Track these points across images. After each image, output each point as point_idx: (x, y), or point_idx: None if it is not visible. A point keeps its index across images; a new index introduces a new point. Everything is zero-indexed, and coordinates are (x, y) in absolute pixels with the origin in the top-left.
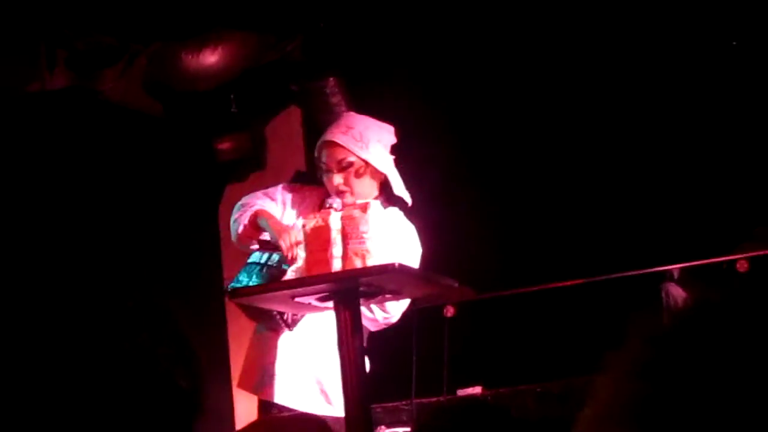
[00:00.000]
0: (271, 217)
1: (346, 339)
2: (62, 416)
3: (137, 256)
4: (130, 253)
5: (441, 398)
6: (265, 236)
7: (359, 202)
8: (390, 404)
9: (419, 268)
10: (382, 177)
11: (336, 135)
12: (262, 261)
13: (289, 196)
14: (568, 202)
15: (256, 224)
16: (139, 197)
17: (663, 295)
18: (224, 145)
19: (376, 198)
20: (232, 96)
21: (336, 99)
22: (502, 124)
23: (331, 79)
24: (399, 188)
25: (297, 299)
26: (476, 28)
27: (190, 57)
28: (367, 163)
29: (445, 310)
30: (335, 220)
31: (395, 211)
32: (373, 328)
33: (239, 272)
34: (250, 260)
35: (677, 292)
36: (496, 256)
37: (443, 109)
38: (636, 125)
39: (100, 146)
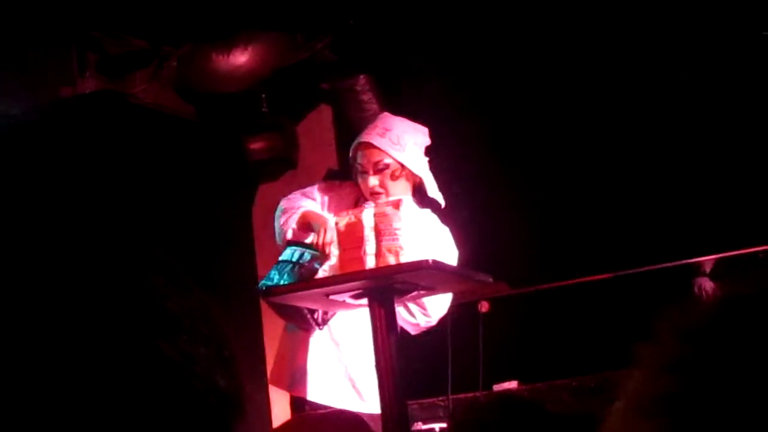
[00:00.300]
0: (317, 216)
1: (381, 336)
2: (97, 419)
3: (172, 257)
4: (165, 254)
5: (477, 394)
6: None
7: (391, 199)
8: (426, 400)
9: (451, 265)
10: (417, 179)
11: (373, 137)
12: (294, 259)
13: (326, 196)
14: (602, 196)
15: (305, 226)
16: (172, 199)
17: (696, 289)
18: (256, 145)
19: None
20: (263, 96)
21: (367, 97)
22: (536, 118)
23: (362, 77)
24: (433, 191)
25: (331, 297)
26: (509, 21)
27: (220, 58)
28: (403, 166)
29: (479, 306)
30: (368, 217)
31: (429, 213)
32: (413, 332)
33: (270, 270)
34: (281, 258)
35: (709, 286)
36: (529, 250)
37: (475, 103)
38: (670, 116)
39: (132, 149)
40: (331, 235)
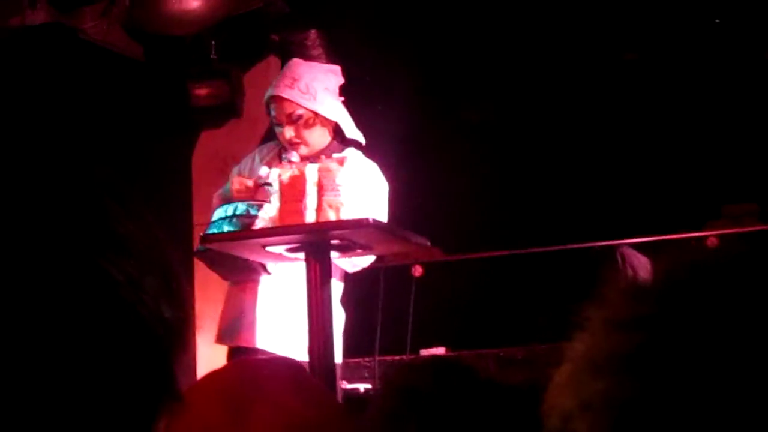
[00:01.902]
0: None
1: (315, 292)
2: (41, 346)
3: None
4: (119, 178)
5: (403, 357)
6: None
7: (336, 155)
8: (352, 360)
9: (392, 225)
10: (333, 123)
11: (282, 89)
12: (228, 213)
13: (245, 168)
14: (544, 171)
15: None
16: (113, 138)
17: (618, 257)
18: (201, 91)
19: (329, 144)
20: (212, 42)
21: (317, 52)
22: (483, 84)
23: (313, 31)
24: (351, 131)
25: (267, 248)
26: None
27: (172, 0)
28: (316, 114)
29: (413, 269)
30: (311, 172)
31: (353, 152)
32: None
33: (207, 229)
34: (215, 218)
35: (632, 256)
36: (466, 218)
37: (424, 63)
38: (615, 94)
39: (77, 84)
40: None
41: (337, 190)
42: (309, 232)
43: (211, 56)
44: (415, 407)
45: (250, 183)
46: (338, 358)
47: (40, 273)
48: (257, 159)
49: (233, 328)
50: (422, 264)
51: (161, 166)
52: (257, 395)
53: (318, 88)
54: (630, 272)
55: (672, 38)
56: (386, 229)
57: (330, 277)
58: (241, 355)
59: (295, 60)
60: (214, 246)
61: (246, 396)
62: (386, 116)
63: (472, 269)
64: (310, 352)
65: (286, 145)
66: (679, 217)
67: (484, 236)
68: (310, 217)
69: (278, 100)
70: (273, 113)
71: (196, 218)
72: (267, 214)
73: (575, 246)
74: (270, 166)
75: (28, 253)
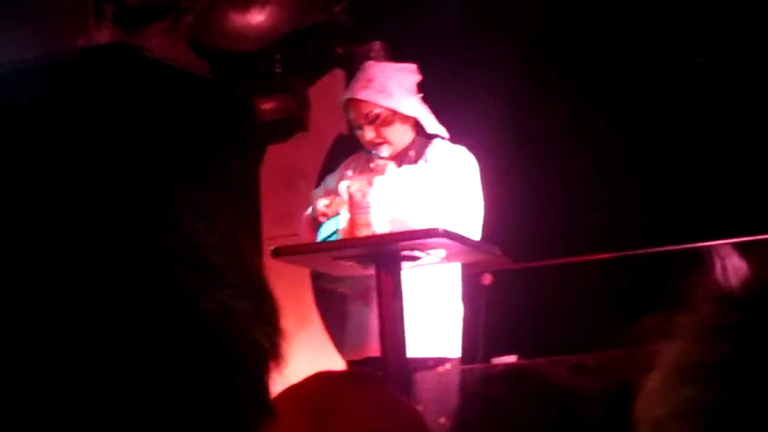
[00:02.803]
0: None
1: (387, 303)
2: (130, 377)
3: (210, 198)
4: (204, 196)
5: (476, 366)
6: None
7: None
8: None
9: (461, 235)
10: (413, 120)
11: (357, 91)
12: (333, 229)
13: (331, 181)
14: (614, 175)
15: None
16: (180, 155)
17: (714, 258)
18: (267, 105)
19: (412, 141)
20: (277, 56)
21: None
22: (553, 93)
23: (377, 43)
24: (432, 126)
25: (339, 261)
26: None
27: (236, 16)
28: (394, 111)
29: (482, 278)
30: (379, 183)
31: (437, 143)
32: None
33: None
34: (323, 236)
35: (728, 257)
36: (536, 224)
37: (493, 76)
38: (689, 97)
39: (143, 102)
40: (322, 204)
41: (366, 208)
42: (377, 244)
43: (276, 70)
44: (494, 417)
45: (326, 201)
46: (456, 352)
47: (132, 306)
48: (349, 172)
49: (361, 339)
50: (492, 272)
51: (229, 181)
52: (338, 408)
53: (393, 86)
54: (722, 275)
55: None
56: (457, 239)
57: (401, 288)
58: (370, 366)
59: (369, 62)
60: (286, 259)
61: (327, 409)
62: (454, 121)
63: (542, 277)
64: (385, 364)
65: (369, 147)
66: (755, 219)
67: (553, 243)
68: (380, 228)
69: (355, 102)
70: (351, 116)
71: (266, 232)
72: (338, 225)
73: (645, 251)
74: (360, 175)
75: (117, 288)
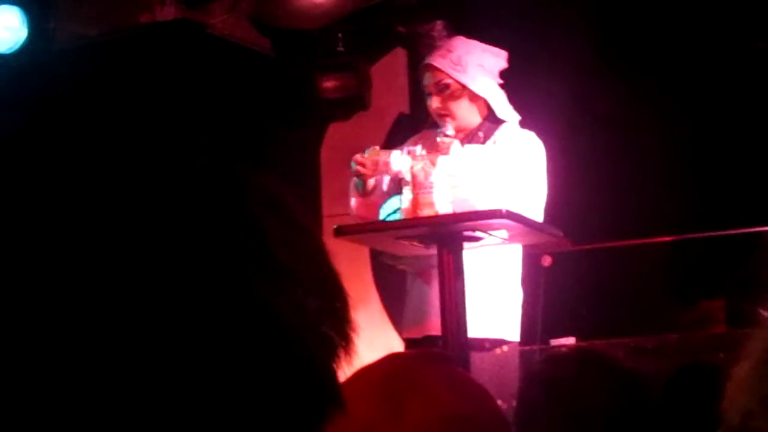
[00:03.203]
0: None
1: (449, 284)
2: (199, 375)
3: (280, 189)
4: (274, 187)
5: (535, 347)
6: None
7: (446, 140)
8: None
9: (524, 216)
10: (484, 101)
11: (435, 58)
12: (396, 206)
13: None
14: (674, 159)
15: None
16: (243, 131)
17: None
18: (329, 83)
19: (481, 123)
20: (339, 35)
21: (443, 43)
22: (613, 79)
23: (439, 22)
24: (502, 111)
25: (401, 241)
26: None
27: None
28: (464, 86)
29: (542, 259)
30: (443, 163)
31: (506, 127)
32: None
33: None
34: (385, 213)
35: None
36: (595, 207)
37: (555, 60)
38: (749, 82)
39: (207, 79)
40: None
41: (429, 188)
42: (439, 224)
43: (338, 49)
44: (560, 398)
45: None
46: (514, 335)
47: (205, 306)
48: (418, 148)
49: (420, 317)
50: (552, 253)
51: (290, 159)
52: (412, 389)
53: (471, 62)
54: None
55: None
56: (520, 220)
57: (462, 268)
58: (428, 345)
59: (459, 37)
60: (348, 238)
61: (401, 390)
62: (516, 103)
63: (601, 259)
64: (445, 344)
65: (434, 117)
66: None
67: (614, 225)
68: (442, 208)
69: (429, 68)
70: (425, 82)
71: (325, 210)
72: (401, 204)
73: (704, 235)
74: (429, 152)
75: (189, 287)
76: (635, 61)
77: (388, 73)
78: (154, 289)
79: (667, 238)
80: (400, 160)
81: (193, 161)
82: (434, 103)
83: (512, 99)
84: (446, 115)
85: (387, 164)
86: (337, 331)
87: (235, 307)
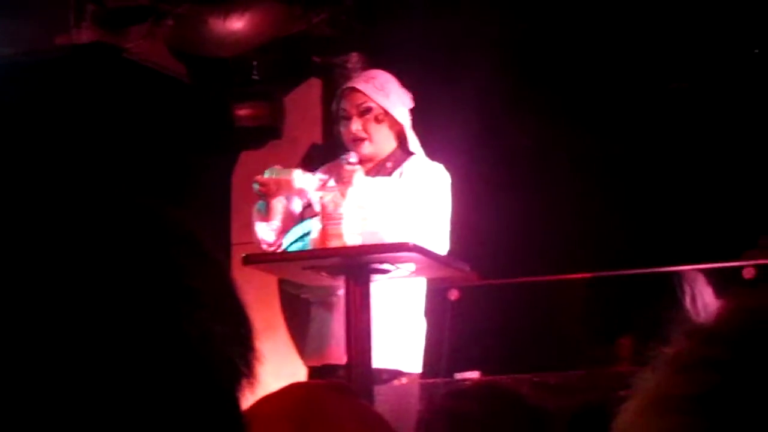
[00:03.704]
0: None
1: (356, 315)
2: (108, 394)
3: (187, 220)
4: (181, 218)
5: (438, 380)
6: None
7: (350, 166)
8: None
9: (431, 250)
10: (399, 129)
11: (358, 82)
12: (299, 234)
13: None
14: (580, 194)
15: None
16: (155, 157)
17: (686, 284)
18: (243, 112)
19: (392, 152)
20: (254, 63)
21: (358, 75)
22: (522, 116)
23: (355, 54)
24: (414, 144)
25: (308, 270)
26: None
27: (216, 21)
28: (386, 111)
29: (449, 293)
30: (353, 195)
31: (415, 158)
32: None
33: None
34: (289, 241)
35: (697, 282)
36: (504, 241)
37: (468, 93)
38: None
39: (121, 103)
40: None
41: (338, 219)
42: (348, 255)
43: (254, 77)
44: None
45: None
46: (416, 367)
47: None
48: (329, 181)
49: (321, 346)
50: (459, 287)
51: (202, 185)
52: (321, 418)
53: (392, 91)
54: (690, 302)
55: (714, 68)
56: (427, 254)
57: (370, 299)
58: (329, 373)
59: (375, 69)
60: (256, 267)
61: (309, 419)
62: (425, 137)
63: (507, 294)
64: (350, 375)
65: (349, 141)
66: (714, 246)
67: (521, 261)
68: (351, 240)
69: (352, 91)
70: (343, 106)
71: (235, 237)
72: (304, 232)
73: (607, 273)
74: (338, 184)
75: (98, 310)
76: (551, 99)
77: (303, 102)
78: (64, 314)
79: (575, 276)
80: (302, 178)
81: (108, 194)
82: (354, 125)
83: (424, 131)
84: (364, 139)
85: (289, 182)
86: (242, 358)
87: (145, 330)
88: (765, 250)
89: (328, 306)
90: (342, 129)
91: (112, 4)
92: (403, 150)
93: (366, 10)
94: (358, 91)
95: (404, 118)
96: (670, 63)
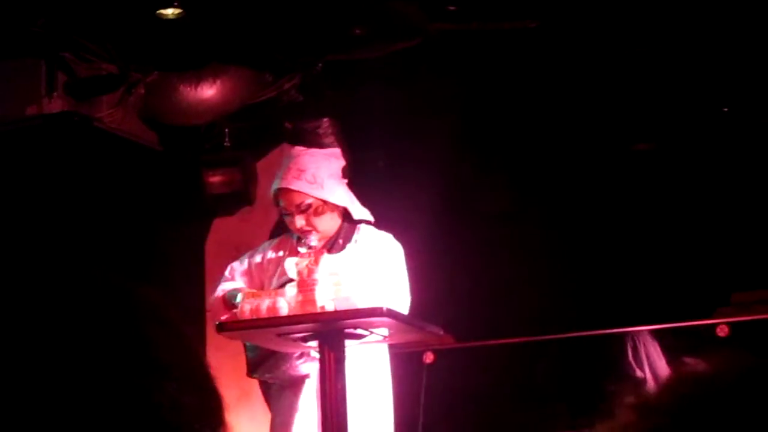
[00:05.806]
0: (235, 289)
1: (330, 381)
2: None
3: (158, 296)
4: (151, 293)
5: None
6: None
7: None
8: None
9: (406, 315)
10: (342, 208)
11: (290, 181)
12: None
13: (254, 260)
14: (550, 257)
15: (230, 305)
16: (127, 225)
17: (628, 346)
18: (215, 178)
19: (339, 227)
20: (226, 130)
21: (329, 140)
22: (490, 181)
23: (326, 120)
24: (359, 212)
25: (282, 337)
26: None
27: (187, 89)
28: (324, 202)
29: (424, 356)
30: (326, 262)
31: (364, 229)
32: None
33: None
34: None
35: (646, 344)
36: (478, 304)
37: (436, 156)
38: (620, 184)
39: (92, 172)
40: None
41: (311, 285)
42: (321, 321)
43: (225, 144)
44: None
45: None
46: None
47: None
48: (269, 253)
49: (286, 423)
50: (434, 351)
51: (175, 253)
52: None
53: (324, 176)
54: (640, 365)
55: (680, 128)
56: (400, 318)
57: (344, 365)
58: None
59: (297, 149)
60: (229, 334)
61: None
62: (399, 201)
63: (483, 356)
64: None
65: (297, 233)
66: (686, 304)
67: (496, 323)
68: (324, 306)
69: (287, 191)
70: (282, 204)
71: (208, 305)
72: (286, 303)
73: (580, 334)
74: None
75: (71, 383)
76: (514, 163)
77: (275, 168)
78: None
79: (546, 337)
80: (287, 261)
81: (79, 272)
82: (298, 221)
83: (397, 193)
84: (310, 231)
85: (275, 310)
86: (211, 429)
87: (117, 401)
88: (738, 308)
89: (292, 388)
90: (287, 221)
91: (83, 73)
92: (350, 222)
93: (336, 75)
94: (294, 191)
95: (343, 198)
96: (636, 123)
